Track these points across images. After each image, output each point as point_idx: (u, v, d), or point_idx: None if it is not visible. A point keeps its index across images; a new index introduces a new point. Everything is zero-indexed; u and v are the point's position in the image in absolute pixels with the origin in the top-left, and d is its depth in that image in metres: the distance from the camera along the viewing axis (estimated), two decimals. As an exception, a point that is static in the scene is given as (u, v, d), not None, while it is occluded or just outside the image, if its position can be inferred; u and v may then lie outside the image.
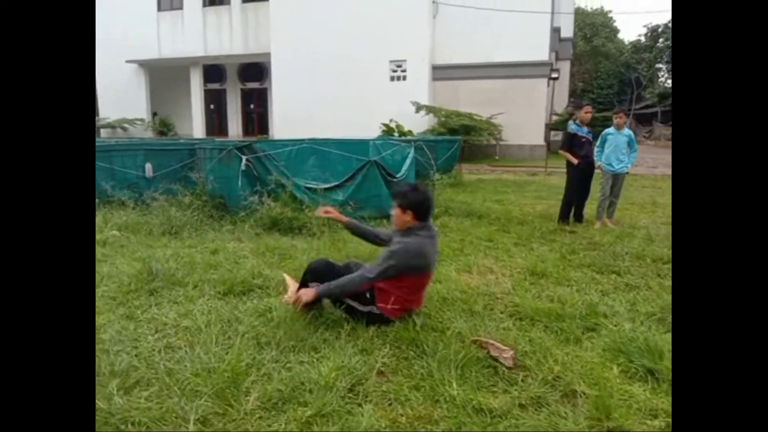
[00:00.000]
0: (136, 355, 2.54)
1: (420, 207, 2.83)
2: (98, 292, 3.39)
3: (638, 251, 4.68)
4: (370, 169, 6.26)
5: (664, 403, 2.15)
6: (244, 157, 5.96)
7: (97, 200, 6.43)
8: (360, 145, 8.40)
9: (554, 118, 22.11)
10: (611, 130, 6.35)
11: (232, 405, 2.10)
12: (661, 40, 40.03)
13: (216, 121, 24.66)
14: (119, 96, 23.02)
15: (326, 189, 6.21)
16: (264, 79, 23.53)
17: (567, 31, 23.48)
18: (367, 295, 2.83)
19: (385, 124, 16.39)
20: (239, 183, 5.96)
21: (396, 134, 15.96)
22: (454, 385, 2.22)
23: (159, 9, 22.54)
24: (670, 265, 4.24)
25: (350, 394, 2.20)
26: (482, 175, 12.53)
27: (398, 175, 6.87)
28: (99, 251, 4.40)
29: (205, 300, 3.29)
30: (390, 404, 2.15)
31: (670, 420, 2.03)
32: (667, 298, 3.38)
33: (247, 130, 24.52)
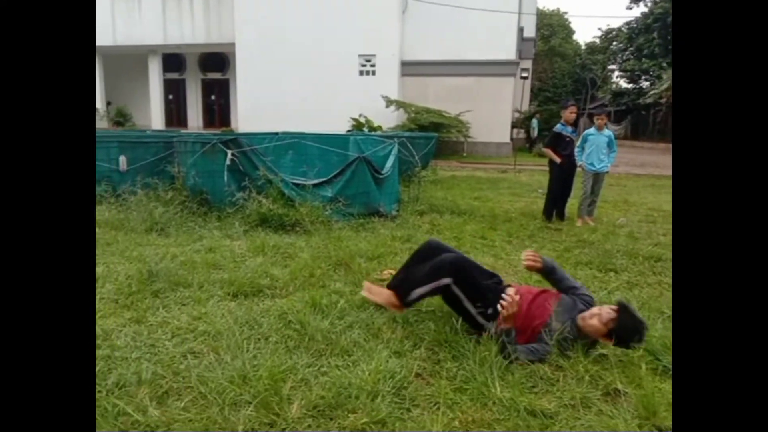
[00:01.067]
0: (157, 362, 2.40)
1: (624, 341, 2.48)
2: (97, 293, 3.18)
3: (627, 249, 4.85)
4: (359, 166, 6.18)
5: (699, 399, 2.22)
6: (229, 152, 5.76)
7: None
8: (340, 140, 8.31)
9: (516, 115, 22.61)
10: (592, 130, 6.53)
11: (278, 414, 2.02)
12: (614, 42, 41.61)
13: (175, 112, 23.83)
14: (70, 83, 21.77)
15: (315, 185, 6.10)
16: (226, 69, 22.90)
17: (529, 31, 23.96)
18: (489, 311, 2.64)
19: (354, 119, 16.30)
20: (225, 178, 5.76)
21: (366, 129, 15.89)
22: (498, 387, 2.22)
23: (113, -7, 21.46)
24: (662, 264, 4.41)
25: (396, 399, 2.16)
26: (455, 172, 12.65)
27: (383, 172, 6.82)
28: (84, 250, 4.14)
29: (216, 302, 3.15)
30: (438, 408, 2.12)
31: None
32: (669, 295, 3.51)
33: (208, 121, 23.82)
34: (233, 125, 21.75)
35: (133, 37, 21.11)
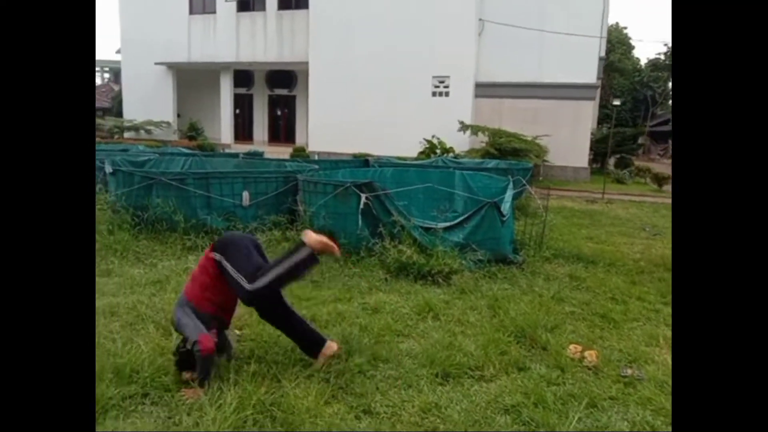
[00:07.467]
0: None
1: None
2: (301, 369, 3.08)
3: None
4: (488, 210, 5.99)
5: None
6: (363, 195, 5.69)
7: (196, 230, 6.15)
8: (446, 174, 8.17)
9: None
10: None
11: None
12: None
13: (242, 127, 24.36)
14: (146, 98, 22.68)
15: (444, 229, 5.94)
16: (293, 86, 23.27)
17: (600, 51, 23.34)
18: None
19: (427, 140, 16.17)
20: (358, 222, 5.69)
21: (438, 151, 15.77)
22: None
23: (191, 12, 22.23)
24: None
25: None
26: (540, 201, 12.27)
27: (505, 214, 6.60)
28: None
29: (428, 384, 3.00)
30: None
31: None
32: None
33: (273, 137, 24.23)
34: (299, 142, 22.06)
35: (207, 54, 21.81)
